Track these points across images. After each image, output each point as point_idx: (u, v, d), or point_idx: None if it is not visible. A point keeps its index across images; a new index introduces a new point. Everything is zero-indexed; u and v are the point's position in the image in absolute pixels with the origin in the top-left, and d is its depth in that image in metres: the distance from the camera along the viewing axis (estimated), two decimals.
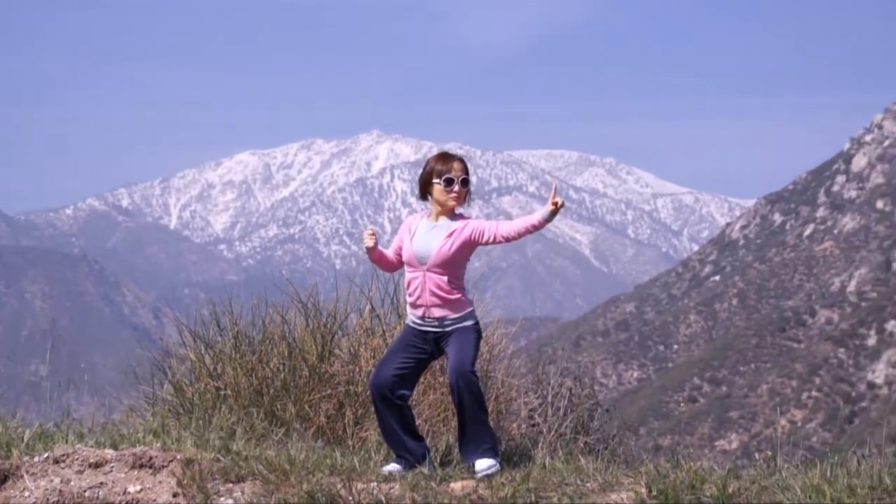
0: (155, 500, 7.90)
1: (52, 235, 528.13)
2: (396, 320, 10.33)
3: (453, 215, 8.31)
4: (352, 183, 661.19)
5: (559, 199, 7.91)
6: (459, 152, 8.54)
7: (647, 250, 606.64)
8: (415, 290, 8.24)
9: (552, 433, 10.32)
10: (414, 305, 8.28)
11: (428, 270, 8.18)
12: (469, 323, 8.22)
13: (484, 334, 8.65)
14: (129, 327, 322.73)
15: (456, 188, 8.24)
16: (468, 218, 8.30)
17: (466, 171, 8.28)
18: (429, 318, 8.22)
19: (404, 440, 8.25)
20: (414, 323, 8.32)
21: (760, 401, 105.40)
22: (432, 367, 9.44)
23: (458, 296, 8.20)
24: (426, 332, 8.27)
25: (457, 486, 7.72)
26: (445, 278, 8.16)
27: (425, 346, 8.29)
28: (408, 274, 8.30)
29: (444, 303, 8.18)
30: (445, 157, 8.34)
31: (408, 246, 8.27)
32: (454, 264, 8.19)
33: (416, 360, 8.31)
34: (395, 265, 8.50)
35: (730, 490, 7.24)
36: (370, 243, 8.35)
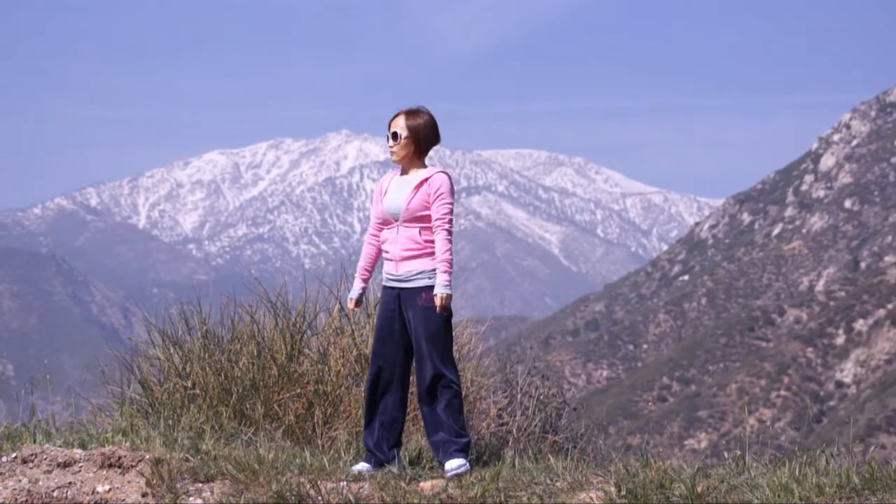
0: (124, 500, 7.87)
1: (19, 235, 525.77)
2: (366, 320, 10.31)
3: (422, 168, 8.35)
4: (321, 182, 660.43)
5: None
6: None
7: (617, 250, 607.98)
8: (390, 245, 8.28)
9: (521, 432, 10.32)
10: (387, 260, 8.32)
11: (401, 224, 8.22)
12: (433, 282, 8.21)
13: (453, 333, 8.62)
14: (98, 327, 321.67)
15: (391, 143, 8.30)
16: (438, 171, 8.29)
17: (407, 126, 8.29)
18: (398, 272, 8.23)
19: (381, 443, 8.24)
20: (386, 278, 8.34)
21: (729, 400, 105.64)
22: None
23: (428, 250, 8.21)
24: (393, 288, 8.28)
25: (426, 485, 7.72)
26: (417, 230, 8.19)
27: (395, 323, 8.27)
28: (385, 231, 8.34)
29: (414, 257, 8.18)
30: (395, 115, 8.39)
31: (379, 207, 8.32)
32: (424, 216, 8.20)
33: (403, 348, 8.29)
34: (380, 249, 8.51)
35: (699, 489, 7.24)
36: (356, 296, 8.56)
